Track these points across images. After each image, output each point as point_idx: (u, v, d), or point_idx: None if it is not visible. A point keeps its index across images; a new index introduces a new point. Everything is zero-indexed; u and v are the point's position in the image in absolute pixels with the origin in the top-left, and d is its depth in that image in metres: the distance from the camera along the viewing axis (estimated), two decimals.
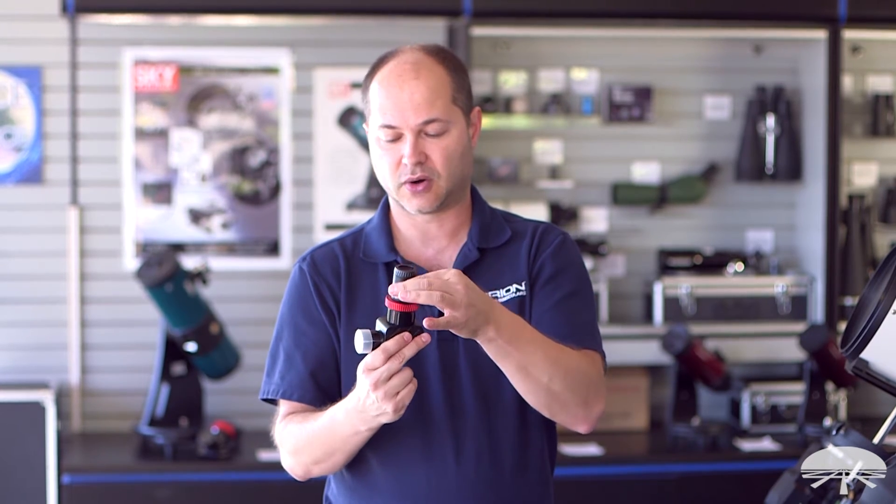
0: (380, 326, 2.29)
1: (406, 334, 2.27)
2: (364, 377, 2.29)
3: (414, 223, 2.53)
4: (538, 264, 2.52)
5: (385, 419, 2.33)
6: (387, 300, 2.28)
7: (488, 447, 2.47)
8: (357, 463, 2.51)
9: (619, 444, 5.06)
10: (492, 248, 2.53)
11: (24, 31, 5.23)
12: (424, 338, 2.28)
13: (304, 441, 2.46)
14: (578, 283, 2.53)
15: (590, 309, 2.54)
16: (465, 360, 2.47)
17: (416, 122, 2.43)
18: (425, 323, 2.26)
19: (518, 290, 2.51)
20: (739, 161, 5.50)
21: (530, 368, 2.35)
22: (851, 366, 2.39)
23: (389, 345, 2.27)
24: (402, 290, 2.24)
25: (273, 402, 2.56)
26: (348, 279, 2.53)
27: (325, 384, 2.50)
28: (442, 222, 2.52)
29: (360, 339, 2.28)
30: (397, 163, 2.45)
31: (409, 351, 2.27)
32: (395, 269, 2.27)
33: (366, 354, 2.29)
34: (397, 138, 2.45)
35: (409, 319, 2.28)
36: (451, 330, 2.29)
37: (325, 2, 5.23)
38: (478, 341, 2.33)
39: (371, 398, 2.30)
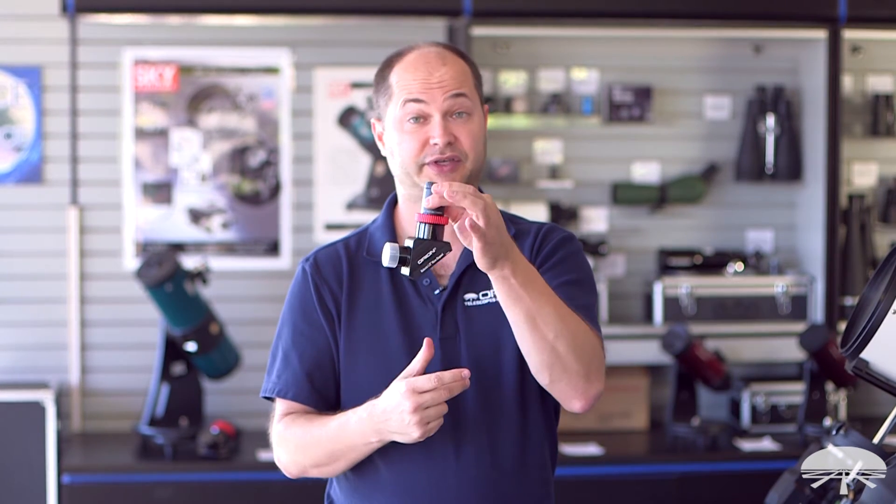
0: (408, 243, 2.29)
1: (465, 371, 2.31)
2: (405, 394, 2.31)
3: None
4: (540, 257, 2.53)
5: (403, 440, 2.35)
6: (418, 215, 2.29)
7: (489, 446, 2.48)
8: (360, 461, 2.51)
9: (619, 444, 5.06)
10: None
11: (24, 31, 5.24)
12: (465, 373, 2.31)
13: (307, 443, 2.47)
14: (580, 272, 2.54)
15: (591, 296, 2.53)
16: (467, 358, 2.48)
17: (446, 96, 2.45)
18: (458, 226, 2.24)
19: None
20: (739, 161, 5.51)
21: (538, 320, 2.34)
22: (851, 366, 2.39)
23: (446, 376, 2.30)
24: (447, 188, 2.24)
25: (272, 399, 2.58)
26: (350, 280, 2.54)
27: (320, 385, 2.51)
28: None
29: (388, 251, 2.28)
30: (423, 143, 2.46)
31: (458, 389, 2.31)
32: (427, 185, 2.27)
33: (392, 267, 2.29)
34: (423, 119, 2.47)
35: (438, 234, 2.29)
36: (474, 249, 2.26)
37: (325, 2, 5.22)
38: (491, 277, 2.32)
39: (405, 417, 2.31)
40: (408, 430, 2.32)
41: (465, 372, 2.30)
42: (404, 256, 2.27)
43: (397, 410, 2.32)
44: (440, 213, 2.28)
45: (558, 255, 2.53)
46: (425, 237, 2.28)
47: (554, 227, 2.59)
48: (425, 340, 2.36)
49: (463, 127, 2.47)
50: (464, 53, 2.56)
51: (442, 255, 2.28)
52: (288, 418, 2.52)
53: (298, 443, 2.49)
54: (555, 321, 2.34)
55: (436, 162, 2.46)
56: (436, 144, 2.45)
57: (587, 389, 2.40)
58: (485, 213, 2.24)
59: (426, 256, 2.28)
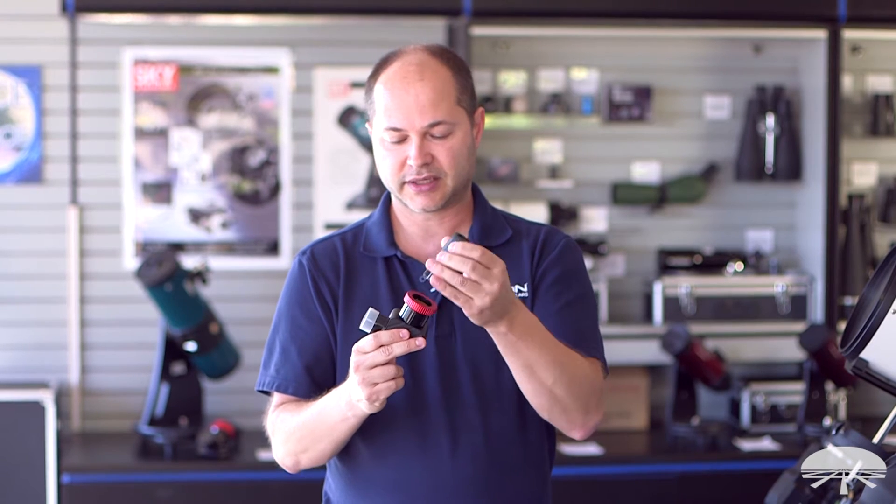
0: (393, 315, 2.30)
1: (403, 331, 2.28)
2: (352, 355, 2.31)
3: (415, 220, 2.54)
4: (542, 268, 2.53)
5: (363, 406, 2.34)
6: (407, 295, 2.29)
7: (485, 444, 2.48)
8: (354, 456, 2.52)
9: (619, 444, 5.06)
10: (493, 246, 2.53)
11: (24, 31, 5.23)
12: (419, 342, 2.28)
13: (294, 427, 2.47)
14: (582, 287, 2.55)
15: (593, 314, 2.55)
16: (464, 356, 2.48)
17: (422, 124, 2.43)
18: (432, 281, 2.25)
19: (520, 290, 2.51)
20: (739, 161, 5.51)
21: (536, 368, 2.36)
22: (851, 365, 2.39)
23: (383, 335, 2.28)
24: (441, 276, 2.24)
25: (268, 393, 2.58)
26: (347, 274, 2.54)
27: (320, 378, 2.51)
28: (443, 219, 2.53)
29: (366, 316, 2.30)
30: (401, 163, 2.46)
31: (399, 349, 2.28)
32: (453, 239, 2.27)
33: (364, 333, 2.30)
34: (402, 140, 2.45)
35: (419, 322, 2.29)
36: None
37: (325, 2, 5.23)
38: (488, 330, 2.34)
39: (352, 378, 2.31)
40: (359, 393, 2.31)
41: (404, 332, 2.28)
42: (378, 326, 2.29)
43: (352, 374, 2.33)
44: (427, 304, 2.29)
45: (559, 271, 2.53)
46: (405, 319, 2.29)
47: (553, 232, 2.58)
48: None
49: (441, 146, 2.45)
50: (451, 57, 2.50)
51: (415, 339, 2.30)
52: (280, 408, 2.53)
53: (287, 429, 2.49)
54: (553, 368, 2.37)
55: (414, 182, 2.46)
56: (411, 166, 2.44)
57: (586, 422, 2.46)
58: (476, 309, 2.25)
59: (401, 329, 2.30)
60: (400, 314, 2.29)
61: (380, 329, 2.29)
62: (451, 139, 2.46)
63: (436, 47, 2.52)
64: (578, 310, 2.51)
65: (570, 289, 2.52)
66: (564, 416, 2.43)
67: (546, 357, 2.36)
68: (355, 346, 2.31)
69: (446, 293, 2.25)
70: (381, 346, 2.28)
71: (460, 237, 2.28)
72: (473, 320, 2.30)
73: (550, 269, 2.52)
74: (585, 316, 2.53)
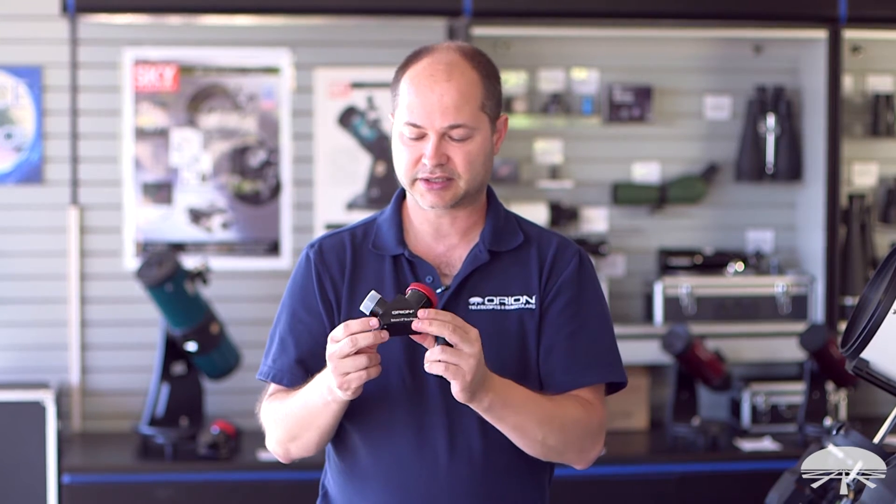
0: (395, 299, 2.32)
1: (373, 319, 2.29)
2: (327, 344, 2.34)
3: (427, 218, 2.54)
4: (554, 287, 2.52)
5: (338, 393, 2.35)
6: (410, 286, 2.33)
7: (482, 445, 2.48)
8: (353, 453, 2.53)
9: (619, 444, 5.06)
10: (503, 251, 2.53)
11: (24, 31, 5.24)
12: (383, 335, 2.29)
13: (282, 415, 2.49)
14: (597, 306, 2.56)
15: (608, 333, 2.56)
16: None
17: (442, 125, 2.43)
18: (426, 366, 2.30)
19: (528, 302, 2.51)
20: (739, 161, 5.51)
21: (525, 429, 2.42)
22: (851, 366, 2.39)
23: (353, 324, 2.30)
24: (430, 315, 2.28)
25: (267, 381, 2.59)
26: (353, 270, 2.54)
27: (315, 371, 2.50)
28: (455, 219, 2.53)
29: (367, 299, 2.31)
30: (416, 160, 2.46)
31: (363, 340, 2.29)
32: (373, 300, 2.31)
33: (363, 314, 2.32)
34: (421, 137, 2.45)
35: (425, 304, 2.31)
36: (451, 383, 2.31)
37: (325, 2, 5.23)
38: (471, 406, 2.37)
39: (328, 365, 2.34)
40: (333, 380, 2.33)
41: (374, 321, 2.29)
42: (377, 310, 2.29)
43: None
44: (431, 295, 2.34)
45: (572, 292, 2.53)
46: (410, 301, 2.31)
47: (564, 245, 2.56)
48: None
49: (459, 148, 2.44)
50: (481, 61, 2.48)
51: (413, 321, 2.30)
52: (272, 396, 2.54)
53: (276, 417, 2.50)
54: (540, 425, 2.42)
55: (427, 180, 2.45)
56: (425, 164, 2.44)
57: (582, 459, 2.54)
58: (465, 377, 2.28)
59: (401, 313, 2.30)
60: (407, 297, 2.31)
61: (378, 314, 2.29)
62: (470, 143, 2.45)
63: (468, 48, 2.51)
64: (591, 332, 2.52)
65: (583, 310, 2.52)
66: (560, 458, 2.50)
67: (532, 417, 2.41)
68: (330, 335, 2.32)
69: (436, 370, 2.29)
70: (351, 334, 2.28)
71: (417, 293, 2.32)
72: (461, 396, 2.32)
73: (563, 289, 2.52)
74: (601, 336, 2.54)
